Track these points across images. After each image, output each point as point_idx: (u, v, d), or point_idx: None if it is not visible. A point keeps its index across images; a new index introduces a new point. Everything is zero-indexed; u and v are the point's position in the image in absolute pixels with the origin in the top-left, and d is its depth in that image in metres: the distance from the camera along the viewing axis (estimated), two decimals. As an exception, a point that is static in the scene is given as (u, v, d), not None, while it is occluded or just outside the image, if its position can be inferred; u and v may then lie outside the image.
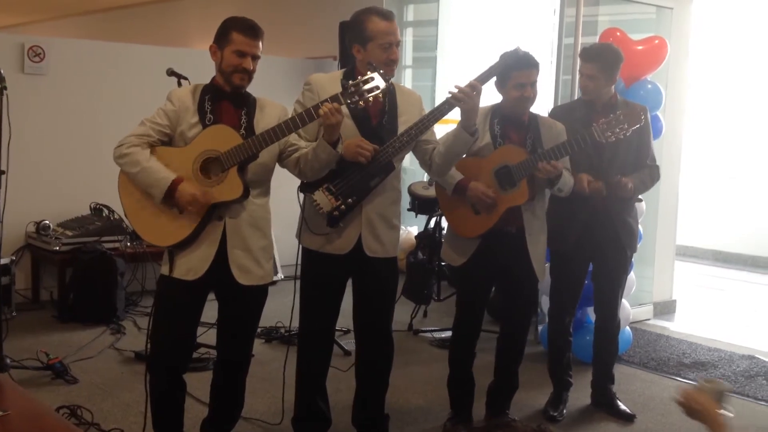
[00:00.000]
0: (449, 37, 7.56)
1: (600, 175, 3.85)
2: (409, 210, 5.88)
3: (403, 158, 3.46)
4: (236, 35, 3.05)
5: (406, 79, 7.91)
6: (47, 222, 5.82)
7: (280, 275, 6.71)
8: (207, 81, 3.20)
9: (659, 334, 5.68)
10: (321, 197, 3.25)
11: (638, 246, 4.21)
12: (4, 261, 5.33)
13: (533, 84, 3.54)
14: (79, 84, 6.11)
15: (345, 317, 3.69)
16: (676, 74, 5.91)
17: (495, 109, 3.64)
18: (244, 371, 3.39)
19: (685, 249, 8.49)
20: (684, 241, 7.90)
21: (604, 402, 4.19)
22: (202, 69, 3.79)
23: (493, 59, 3.44)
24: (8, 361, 4.33)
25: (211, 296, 3.27)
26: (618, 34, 4.93)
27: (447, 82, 7.03)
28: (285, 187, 3.56)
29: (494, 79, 3.46)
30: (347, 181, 3.24)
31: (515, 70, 3.48)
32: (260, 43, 3.11)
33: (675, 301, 6.46)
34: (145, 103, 3.24)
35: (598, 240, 3.96)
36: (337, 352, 4.69)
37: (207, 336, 4.16)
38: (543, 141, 3.62)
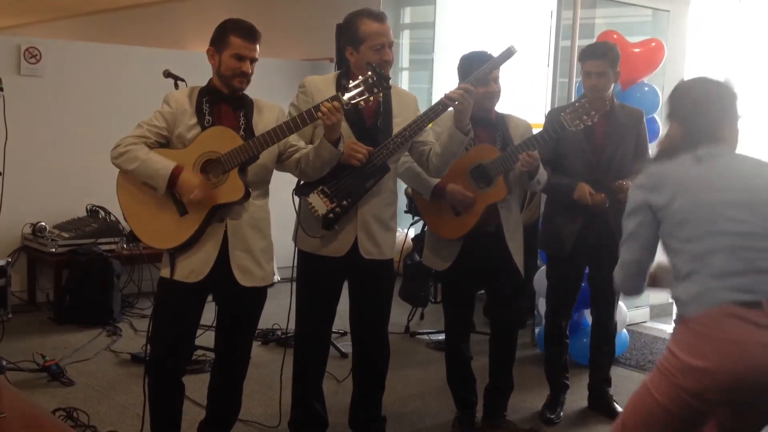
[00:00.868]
0: (446, 39, 7.56)
1: (598, 178, 3.85)
2: (406, 212, 5.88)
3: (398, 159, 3.46)
4: (234, 39, 3.05)
5: (403, 81, 7.91)
6: (43, 224, 5.81)
7: (277, 277, 6.68)
8: (204, 83, 3.20)
9: (656, 336, 5.68)
10: (316, 200, 3.25)
11: (635, 248, 4.21)
12: (0, 263, 5.33)
13: (496, 80, 3.57)
14: (76, 86, 6.11)
15: (342, 319, 3.69)
16: (672, 77, 5.90)
17: None
18: (242, 374, 3.39)
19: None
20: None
21: (600, 404, 4.19)
22: (199, 71, 3.79)
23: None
24: (4, 363, 4.32)
25: (209, 297, 3.26)
26: (615, 36, 4.94)
27: (444, 85, 7.04)
28: (280, 189, 3.56)
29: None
30: (342, 183, 3.24)
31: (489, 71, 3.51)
32: (258, 46, 3.10)
33: (672, 303, 6.45)
34: (142, 104, 3.24)
35: (595, 243, 3.96)
36: (334, 354, 4.69)
37: (204, 338, 4.15)
38: (512, 138, 3.66)
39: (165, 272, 3.13)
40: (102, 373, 4.53)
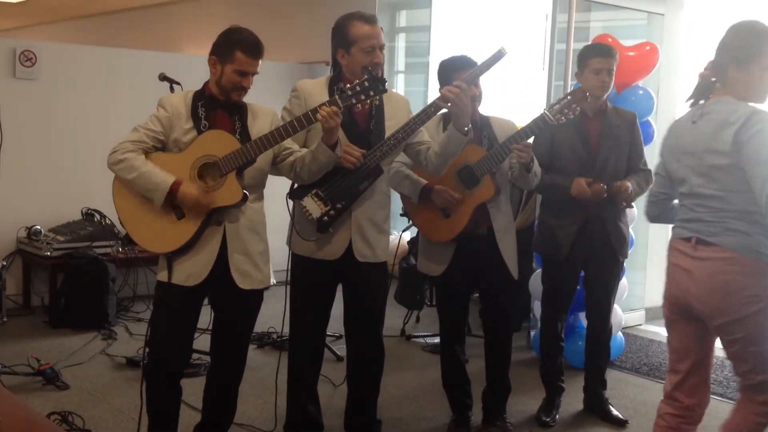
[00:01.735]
0: (442, 42, 7.57)
1: (594, 181, 3.85)
2: (401, 215, 5.87)
3: (392, 162, 3.46)
4: (240, 55, 3.04)
5: (399, 84, 7.92)
6: (38, 227, 5.80)
7: (273, 281, 6.69)
8: (199, 86, 3.20)
9: (651, 339, 5.69)
10: (310, 203, 3.25)
11: (630, 251, 4.22)
12: (-5, 266, 5.32)
13: (476, 82, 3.56)
14: (71, 89, 6.10)
15: (337, 322, 3.69)
16: (667, 80, 5.94)
17: (445, 116, 3.65)
18: (238, 377, 3.39)
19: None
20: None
21: (596, 407, 4.19)
22: (194, 74, 3.80)
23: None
24: (-1, 367, 4.32)
25: (204, 302, 3.26)
26: (609, 40, 4.95)
27: (439, 88, 7.03)
28: (275, 193, 3.56)
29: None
30: (336, 186, 3.24)
31: (454, 72, 3.51)
32: (261, 60, 3.11)
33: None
34: (137, 107, 3.24)
35: (591, 246, 3.96)
36: (330, 357, 4.69)
37: (199, 342, 4.14)
38: (497, 138, 3.67)
39: (162, 276, 3.12)
40: (97, 376, 4.52)
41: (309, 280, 3.41)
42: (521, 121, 3.83)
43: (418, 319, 5.83)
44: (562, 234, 3.92)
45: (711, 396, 4.53)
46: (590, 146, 3.92)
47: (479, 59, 3.52)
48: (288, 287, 3.50)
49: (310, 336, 3.50)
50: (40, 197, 6.02)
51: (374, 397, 3.60)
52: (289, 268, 3.46)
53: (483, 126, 3.68)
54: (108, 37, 11.04)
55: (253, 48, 3.07)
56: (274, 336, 5.15)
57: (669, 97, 6.01)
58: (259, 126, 3.16)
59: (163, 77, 4.49)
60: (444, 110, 3.58)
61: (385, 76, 5.57)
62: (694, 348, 3.09)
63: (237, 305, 3.22)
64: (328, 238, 3.30)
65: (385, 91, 3.07)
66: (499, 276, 3.70)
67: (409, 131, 3.27)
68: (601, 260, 4.03)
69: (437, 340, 5.37)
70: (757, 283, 2.75)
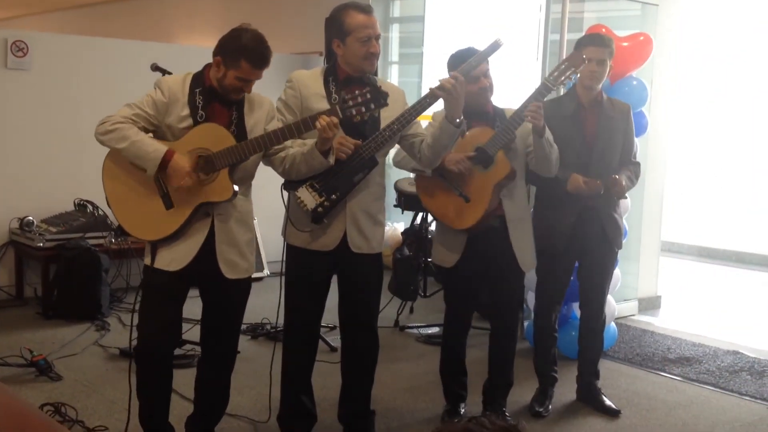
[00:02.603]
0: (436, 33, 7.56)
1: (589, 172, 3.86)
2: (395, 206, 5.87)
3: (386, 153, 3.46)
4: (245, 64, 3.02)
5: (393, 75, 7.91)
6: (31, 218, 5.78)
7: (266, 272, 6.69)
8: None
9: (644, 329, 5.71)
10: (305, 194, 3.24)
11: (624, 242, 4.22)
12: (-13, 257, 5.30)
13: (486, 74, 3.56)
14: (63, 79, 6.07)
15: (331, 313, 3.69)
16: (661, 71, 5.94)
17: None
18: (229, 366, 3.39)
19: (670, 245, 8.54)
20: (669, 237, 7.95)
21: (589, 397, 4.20)
22: (187, 64, 3.77)
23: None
24: (-9, 358, 4.31)
25: (195, 293, 3.25)
26: (603, 30, 4.93)
27: (434, 79, 7.02)
28: (269, 184, 3.55)
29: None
30: (331, 177, 3.23)
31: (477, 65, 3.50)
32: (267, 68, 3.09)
33: (660, 296, 6.49)
34: (130, 98, 3.22)
35: (585, 236, 3.97)
36: (324, 348, 4.69)
37: (192, 333, 4.14)
38: None
39: (147, 260, 3.15)
40: (90, 367, 4.51)
41: (303, 271, 3.41)
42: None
43: (412, 310, 5.83)
44: (558, 225, 3.92)
45: (704, 387, 4.57)
46: (586, 137, 3.92)
47: (454, 48, 3.52)
48: (282, 278, 3.49)
49: (305, 327, 3.50)
50: (33, 188, 5.99)
51: (368, 388, 3.60)
52: (284, 259, 3.45)
53: (496, 116, 3.64)
54: (100, 27, 10.99)
55: (260, 59, 3.03)
56: (268, 327, 5.15)
57: (663, 88, 6.02)
58: (255, 118, 3.15)
59: (155, 67, 4.47)
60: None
61: (379, 66, 5.56)
62: None
63: (224, 295, 3.23)
64: (322, 229, 3.30)
65: (387, 104, 3.07)
66: (508, 270, 3.68)
67: (404, 122, 3.26)
68: (596, 251, 4.04)
69: (431, 330, 5.39)
70: None
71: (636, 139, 4.18)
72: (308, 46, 7.46)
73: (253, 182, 3.27)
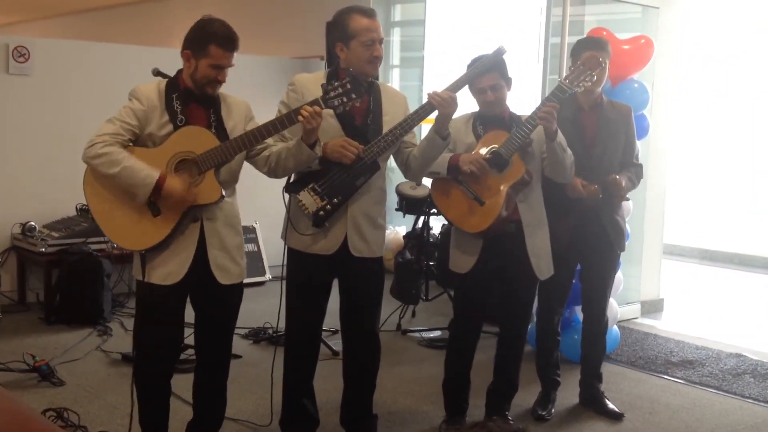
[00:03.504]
0: (436, 37, 7.56)
1: (589, 175, 3.85)
2: (397, 210, 5.88)
3: (387, 157, 3.46)
4: (215, 49, 2.99)
5: (394, 78, 7.91)
6: (33, 223, 5.78)
7: (268, 276, 6.69)
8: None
9: (647, 332, 5.70)
10: (306, 197, 3.24)
11: (626, 245, 4.22)
12: (-10, 263, 5.30)
13: (493, 88, 3.51)
14: (65, 84, 6.08)
15: (333, 317, 3.69)
16: (662, 73, 5.94)
17: (476, 115, 3.65)
18: (225, 371, 3.37)
19: (673, 248, 8.52)
20: (671, 239, 7.93)
21: (592, 401, 4.19)
22: (188, 69, 3.77)
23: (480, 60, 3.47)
24: (-6, 363, 4.31)
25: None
26: (604, 33, 4.94)
27: (434, 82, 7.03)
28: (271, 187, 3.55)
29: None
30: (332, 180, 3.23)
31: (480, 75, 3.50)
32: (236, 52, 3.06)
33: (662, 299, 6.47)
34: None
35: (587, 238, 3.96)
36: (326, 352, 4.68)
37: (192, 337, 4.14)
38: None
39: (138, 275, 3.09)
40: (92, 373, 4.51)
41: (304, 274, 3.40)
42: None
43: (413, 314, 5.82)
44: (560, 227, 3.91)
45: (707, 390, 4.56)
46: (586, 140, 3.92)
47: (475, 54, 3.51)
48: (283, 282, 3.49)
49: (306, 331, 3.50)
50: (35, 193, 6.00)
51: (370, 392, 3.60)
52: (284, 262, 3.45)
53: (512, 122, 3.60)
54: (101, 33, 11.01)
55: (228, 41, 3.01)
56: (270, 331, 5.14)
57: (664, 91, 6.02)
58: (234, 119, 3.13)
59: (156, 72, 4.47)
60: (475, 109, 3.63)
61: (380, 70, 5.55)
62: None
63: (218, 301, 3.20)
64: (323, 232, 3.30)
65: (365, 94, 3.06)
66: (521, 276, 3.64)
67: (407, 128, 3.27)
68: (598, 253, 4.03)
69: (433, 334, 5.39)
70: None
71: (637, 142, 4.17)
72: (309, 50, 7.47)
73: (255, 186, 3.28)
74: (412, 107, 3.47)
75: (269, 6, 8.56)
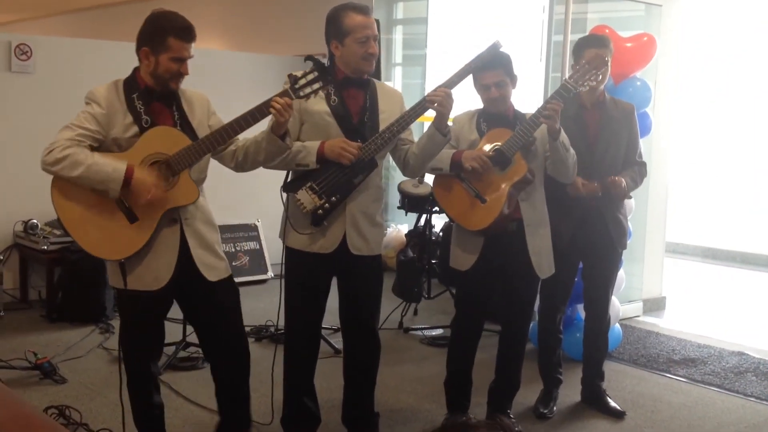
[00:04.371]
0: (439, 35, 7.56)
1: (591, 173, 3.85)
2: (399, 208, 5.87)
3: (385, 155, 3.45)
4: (173, 41, 2.92)
5: (396, 77, 7.90)
6: (35, 221, 5.79)
7: (270, 274, 6.70)
8: (196, 80, 3.13)
9: (649, 330, 5.69)
10: (304, 196, 3.23)
11: (628, 243, 4.21)
12: (-8, 260, 5.31)
13: (497, 84, 3.50)
14: (67, 82, 6.07)
15: (334, 315, 3.68)
16: (665, 71, 5.93)
17: (480, 111, 3.65)
18: (246, 372, 3.26)
19: (675, 246, 8.52)
20: (673, 237, 7.93)
21: (594, 399, 4.19)
22: (190, 67, 3.77)
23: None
24: (-4, 361, 4.32)
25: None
26: (607, 31, 4.93)
27: (437, 80, 7.02)
28: (273, 186, 3.55)
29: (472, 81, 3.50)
30: (330, 179, 3.22)
31: (479, 72, 3.50)
32: (194, 42, 3.00)
33: (664, 297, 6.47)
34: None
35: (589, 237, 3.96)
36: (327, 350, 4.69)
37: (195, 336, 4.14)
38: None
39: (117, 283, 3.00)
40: (94, 370, 4.52)
41: (303, 273, 3.39)
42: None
43: (416, 312, 5.82)
44: (561, 226, 3.90)
45: (709, 388, 4.56)
46: (588, 138, 3.91)
47: (476, 51, 3.50)
48: (282, 280, 3.48)
49: (305, 329, 3.49)
50: (37, 191, 5.94)
51: (371, 390, 3.59)
52: (283, 261, 3.44)
53: (517, 120, 3.59)
54: (104, 31, 11.01)
55: (186, 31, 2.95)
56: (272, 329, 5.14)
57: (666, 89, 6.01)
58: (197, 115, 3.07)
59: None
60: (479, 106, 3.62)
61: (382, 68, 5.55)
62: None
63: (213, 300, 3.13)
64: (322, 231, 3.29)
65: (330, 82, 3.03)
66: (522, 275, 3.64)
67: (404, 124, 3.26)
68: (600, 251, 4.03)
69: (435, 332, 5.39)
70: None
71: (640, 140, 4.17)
72: (310, 48, 7.39)
73: (257, 185, 3.26)
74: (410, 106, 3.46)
75: (269, 4, 8.55)
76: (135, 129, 2.93)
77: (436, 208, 5.60)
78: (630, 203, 4.53)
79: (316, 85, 2.97)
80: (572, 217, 3.91)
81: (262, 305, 4.65)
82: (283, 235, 3.40)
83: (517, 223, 3.58)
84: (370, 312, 3.50)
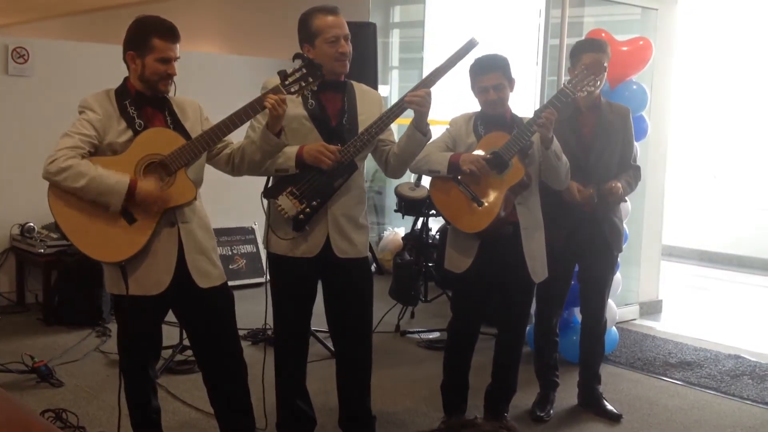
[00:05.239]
0: (436, 38, 7.57)
1: (586, 176, 3.86)
2: (396, 211, 5.88)
3: (366, 157, 3.43)
4: (158, 42, 2.95)
5: (393, 80, 7.91)
6: (32, 224, 5.78)
7: (267, 276, 6.69)
8: (192, 82, 3.17)
9: (645, 334, 5.70)
10: (285, 202, 3.22)
11: (624, 246, 4.22)
12: (-12, 264, 5.30)
13: (496, 87, 3.52)
14: (64, 85, 6.08)
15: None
16: (661, 75, 5.94)
17: (478, 114, 3.65)
18: (242, 377, 3.25)
19: (671, 249, 8.53)
20: (670, 241, 7.94)
21: (590, 402, 4.20)
22: (186, 70, 3.78)
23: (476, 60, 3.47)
24: (-8, 364, 4.31)
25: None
26: (603, 35, 4.94)
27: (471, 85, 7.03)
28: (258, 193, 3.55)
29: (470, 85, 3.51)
30: (310, 183, 3.21)
31: (477, 75, 3.50)
32: (179, 43, 3.01)
33: (661, 301, 6.48)
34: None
35: (585, 240, 3.97)
36: (324, 353, 4.68)
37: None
38: None
39: (115, 289, 3.00)
40: (91, 374, 4.51)
41: (288, 278, 3.37)
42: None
43: (412, 315, 5.82)
44: (557, 228, 3.91)
45: (706, 391, 4.57)
46: (584, 141, 3.92)
47: (471, 58, 3.51)
48: (267, 285, 3.46)
49: (293, 334, 3.47)
50: (34, 194, 5.94)
51: (366, 393, 3.57)
52: (267, 267, 3.42)
53: (514, 124, 3.60)
54: (101, 34, 11.00)
55: (169, 31, 2.97)
56: (269, 332, 5.13)
57: (662, 92, 6.02)
58: (190, 120, 3.08)
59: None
60: (477, 109, 3.63)
61: (379, 71, 5.55)
62: None
63: (205, 306, 3.11)
64: (304, 236, 3.26)
65: (323, 76, 3.03)
66: (518, 279, 3.63)
67: (382, 126, 3.24)
68: (596, 254, 4.04)
69: (432, 335, 5.39)
70: None
71: (636, 143, 4.18)
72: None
73: (254, 188, 3.26)
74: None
75: (267, 7, 8.56)
76: (129, 133, 2.95)
77: (433, 212, 5.61)
78: (626, 206, 4.54)
79: (304, 82, 2.97)
80: (568, 220, 3.92)
81: (260, 308, 4.58)
82: (266, 241, 3.38)
83: (513, 226, 3.58)
84: (361, 315, 3.47)
